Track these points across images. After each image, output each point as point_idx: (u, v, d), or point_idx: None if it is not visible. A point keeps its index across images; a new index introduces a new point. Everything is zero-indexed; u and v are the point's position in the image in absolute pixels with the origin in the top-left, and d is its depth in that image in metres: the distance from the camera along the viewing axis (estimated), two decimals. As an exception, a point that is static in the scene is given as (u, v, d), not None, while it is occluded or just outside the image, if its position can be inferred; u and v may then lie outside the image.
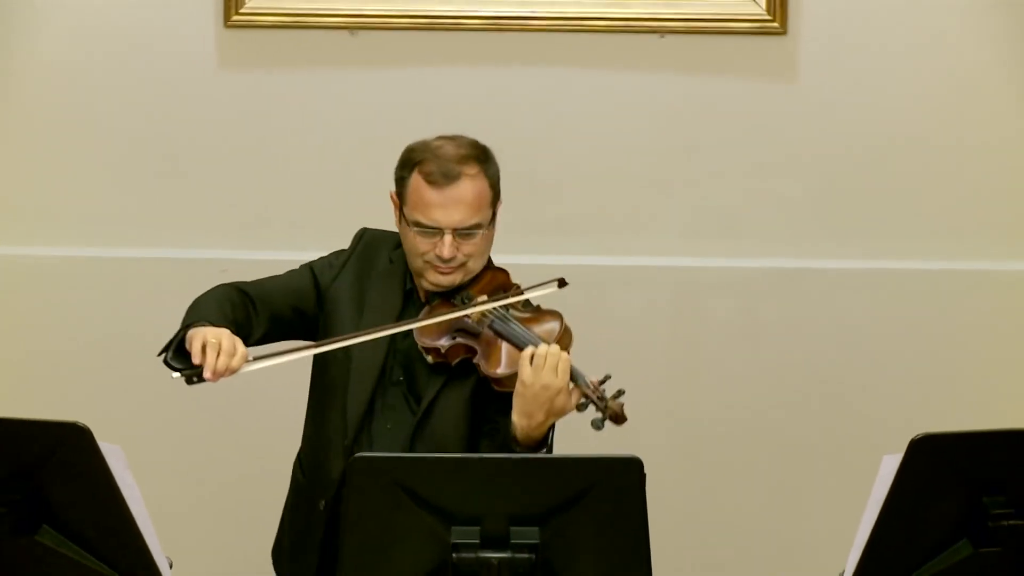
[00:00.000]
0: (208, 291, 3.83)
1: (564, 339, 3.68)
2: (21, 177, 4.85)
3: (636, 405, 4.67)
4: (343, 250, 3.93)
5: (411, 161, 3.76)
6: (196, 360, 3.57)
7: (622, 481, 3.19)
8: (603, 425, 3.61)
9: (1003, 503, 3.21)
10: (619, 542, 3.19)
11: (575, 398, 3.60)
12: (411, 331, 3.72)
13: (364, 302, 3.82)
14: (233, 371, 3.58)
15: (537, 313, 3.75)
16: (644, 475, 3.21)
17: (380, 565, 3.21)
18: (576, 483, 3.17)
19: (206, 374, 3.56)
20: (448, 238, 3.70)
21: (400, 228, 3.80)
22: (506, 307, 3.72)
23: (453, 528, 3.17)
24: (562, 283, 3.70)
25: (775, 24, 4.77)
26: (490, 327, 3.70)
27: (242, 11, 4.78)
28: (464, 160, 3.73)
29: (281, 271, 4.72)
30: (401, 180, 3.78)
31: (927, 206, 4.84)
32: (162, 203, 4.86)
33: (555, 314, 3.74)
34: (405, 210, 3.75)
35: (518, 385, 3.59)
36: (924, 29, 4.79)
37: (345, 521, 3.22)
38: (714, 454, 4.83)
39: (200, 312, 3.71)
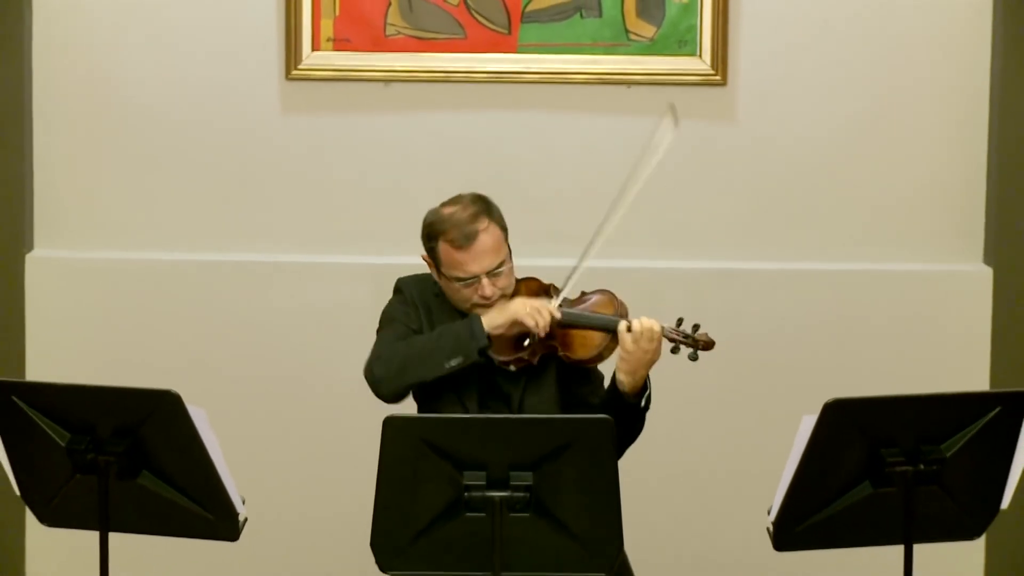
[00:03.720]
0: (399, 345, 3.64)
1: (622, 307, 3.64)
2: (127, 199, 4.85)
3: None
4: (397, 298, 3.77)
5: (434, 233, 3.66)
6: (534, 330, 3.54)
7: (598, 436, 3.19)
8: (698, 356, 3.59)
9: (896, 453, 3.21)
10: (595, 483, 3.19)
11: (667, 346, 3.58)
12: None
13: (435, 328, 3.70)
14: (555, 319, 3.57)
15: (582, 297, 3.69)
16: (615, 431, 3.21)
17: (407, 502, 3.21)
18: (562, 437, 3.17)
19: (541, 334, 3.54)
20: (485, 280, 3.62)
21: (441, 282, 3.69)
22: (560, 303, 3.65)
23: (465, 472, 3.17)
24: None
25: (718, 77, 4.77)
26: (558, 325, 3.61)
27: (299, 67, 4.78)
28: (475, 219, 3.64)
29: (327, 271, 4.78)
30: (431, 249, 3.68)
31: (840, 219, 4.84)
32: (236, 218, 4.85)
33: (603, 291, 3.69)
34: (443, 270, 3.66)
35: (621, 352, 3.53)
36: (836, 78, 4.79)
37: (380, 467, 3.21)
38: (670, 417, 4.82)
39: (452, 325, 3.62)
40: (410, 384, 3.60)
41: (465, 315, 3.67)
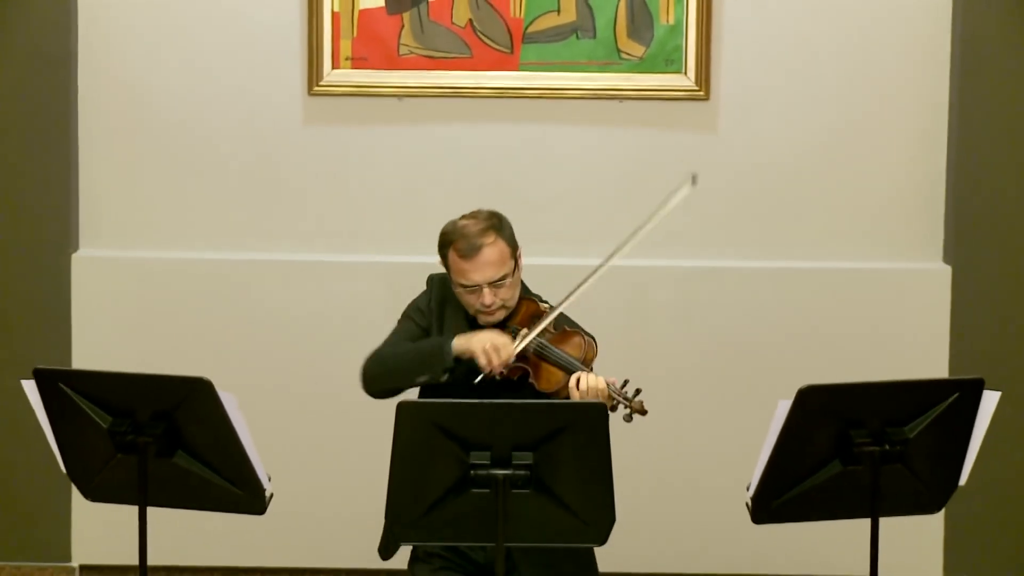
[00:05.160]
0: (388, 349, 3.68)
1: (590, 352, 3.61)
2: (165, 203, 4.85)
3: (599, 368, 4.67)
4: (425, 292, 3.80)
5: (446, 242, 3.67)
6: (483, 362, 3.51)
7: (593, 420, 3.19)
8: (632, 419, 3.54)
9: (864, 434, 3.21)
10: (590, 462, 3.18)
11: (608, 403, 3.49)
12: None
13: (444, 327, 3.72)
14: (511, 357, 3.53)
15: (563, 334, 3.65)
16: (608, 416, 3.21)
17: (418, 480, 3.21)
18: (560, 420, 3.17)
19: (493, 371, 3.50)
20: (486, 290, 3.62)
21: (452, 286, 3.70)
22: (542, 332, 3.61)
23: (471, 452, 3.17)
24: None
25: (701, 93, 4.77)
26: (534, 352, 3.61)
27: (321, 84, 4.78)
28: (483, 233, 3.64)
29: (345, 269, 4.77)
30: (443, 256, 3.69)
31: (811, 222, 4.84)
32: (263, 221, 4.85)
33: (576, 332, 3.66)
34: (451, 276, 3.68)
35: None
36: (808, 93, 4.79)
37: (394, 448, 3.21)
38: (659, 404, 4.81)
39: (429, 341, 3.63)
40: (387, 389, 3.66)
41: (473, 318, 3.69)
